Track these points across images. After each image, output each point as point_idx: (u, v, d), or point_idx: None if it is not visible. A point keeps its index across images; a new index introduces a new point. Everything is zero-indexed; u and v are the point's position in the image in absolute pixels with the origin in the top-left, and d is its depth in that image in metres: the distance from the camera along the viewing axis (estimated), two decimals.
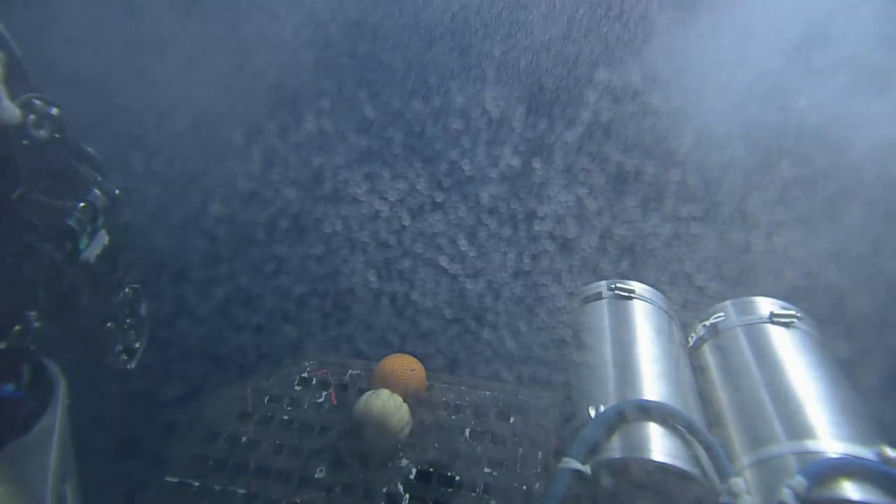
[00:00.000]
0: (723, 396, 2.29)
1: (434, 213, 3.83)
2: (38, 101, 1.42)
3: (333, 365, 3.40)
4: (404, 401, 2.95)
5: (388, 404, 2.86)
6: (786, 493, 1.73)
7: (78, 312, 1.71)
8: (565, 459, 1.94)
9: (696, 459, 1.96)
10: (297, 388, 3.26)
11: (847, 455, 1.84)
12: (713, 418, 2.23)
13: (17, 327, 1.47)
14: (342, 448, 2.93)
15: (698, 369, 2.47)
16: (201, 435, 2.99)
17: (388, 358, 3.17)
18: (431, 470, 2.86)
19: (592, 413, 2.06)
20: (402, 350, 3.29)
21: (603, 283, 2.69)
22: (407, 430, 2.93)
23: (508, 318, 3.77)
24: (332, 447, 2.94)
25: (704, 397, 2.32)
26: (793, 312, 2.42)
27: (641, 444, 1.96)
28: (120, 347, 1.90)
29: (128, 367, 1.94)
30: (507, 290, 3.75)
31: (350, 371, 3.37)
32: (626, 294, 2.59)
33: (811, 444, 1.91)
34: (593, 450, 1.97)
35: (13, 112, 1.38)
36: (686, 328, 2.67)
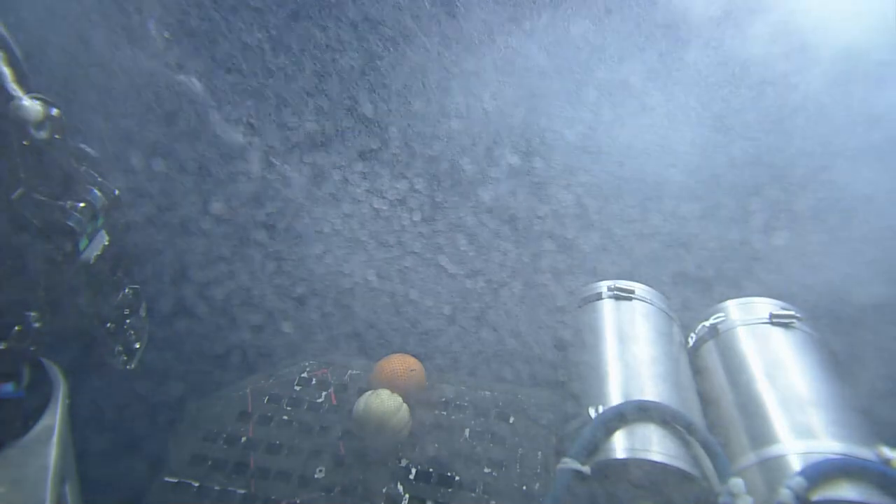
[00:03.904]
0: (723, 397, 2.29)
1: None
2: (38, 102, 1.42)
3: (333, 365, 3.40)
4: (404, 401, 2.95)
5: (387, 404, 2.86)
6: (785, 494, 1.73)
7: (78, 312, 1.71)
8: (565, 460, 1.94)
9: (695, 460, 1.96)
10: (297, 388, 3.26)
11: (846, 455, 1.84)
12: (713, 418, 2.24)
13: (17, 327, 1.48)
14: (342, 448, 2.93)
15: (699, 370, 2.47)
16: (201, 435, 2.99)
17: (388, 358, 3.17)
18: (431, 470, 2.86)
19: (592, 413, 2.06)
20: (402, 350, 3.29)
21: (603, 283, 2.69)
22: (407, 430, 2.93)
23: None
24: (332, 447, 2.94)
25: (704, 397, 2.33)
26: (792, 313, 2.43)
27: (641, 444, 1.96)
28: (120, 348, 1.90)
29: (127, 367, 1.95)
30: None
31: (350, 371, 3.37)
32: (626, 294, 2.60)
33: (811, 445, 1.92)
34: (593, 450, 1.97)
35: (35, 108, 1.40)
36: (686, 329, 2.68)
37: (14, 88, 1.38)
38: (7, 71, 1.38)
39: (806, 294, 2.71)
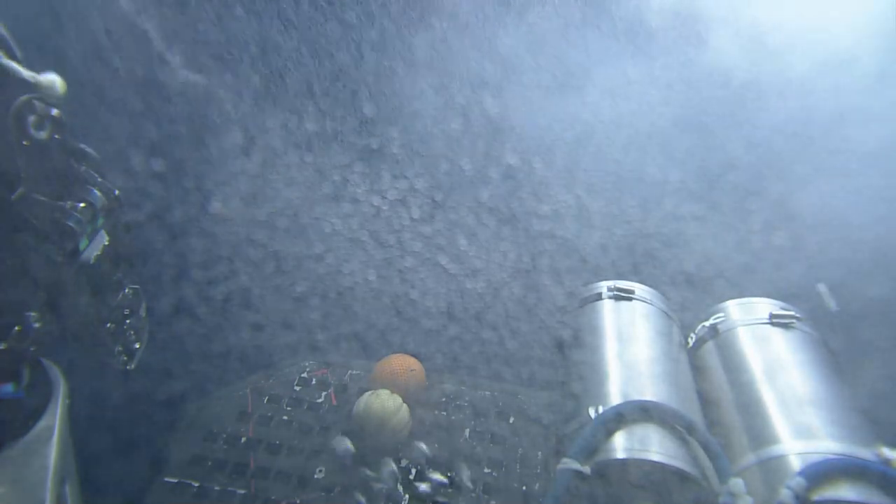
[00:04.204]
0: (723, 397, 2.29)
1: None
2: (38, 103, 1.42)
3: (333, 365, 3.40)
4: (404, 401, 2.95)
5: (387, 404, 2.86)
6: (785, 494, 1.73)
7: (78, 313, 1.71)
8: (565, 460, 1.95)
9: (695, 460, 1.96)
10: (297, 388, 3.26)
11: (846, 456, 1.84)
12: (713, 418, 2.24)
13: (17, 327, 1.48)
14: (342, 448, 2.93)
15: (699, 370, 2.48)
16: (201, 435, 2.99)
17: (388, 358, 3.17)
18: (431, 470, 2.86)
19: (592, 414, 2.06)
20: (402, 350, 3.29)
21: (603, 283, 2.69)
22: (407, 431, 2.93)
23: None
24: (332, 447, 2.94)
25: (705, 397, 2.33)
26: (792, 313, 2.43)
27: (641, 444, 1.96)
28: (120, 348, 1.90)
29: (127, 367, 1.94)
30: None
31: (350, 371, 3.37)
32: (626, 295, 2.60)
33: (811, 445, 1.92)
34: (593, 450, 1.97)
35: (59, 82, 1.41)
36: (686, 329, 2.68)
37: (30, 74, 1.39)
38: (14, 63, 1.38)
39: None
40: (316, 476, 2.82)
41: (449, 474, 2.83)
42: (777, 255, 3.59)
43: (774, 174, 3.78)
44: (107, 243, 1.70)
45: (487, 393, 3.26)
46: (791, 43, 3.58)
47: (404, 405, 2.93)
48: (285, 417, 3.10)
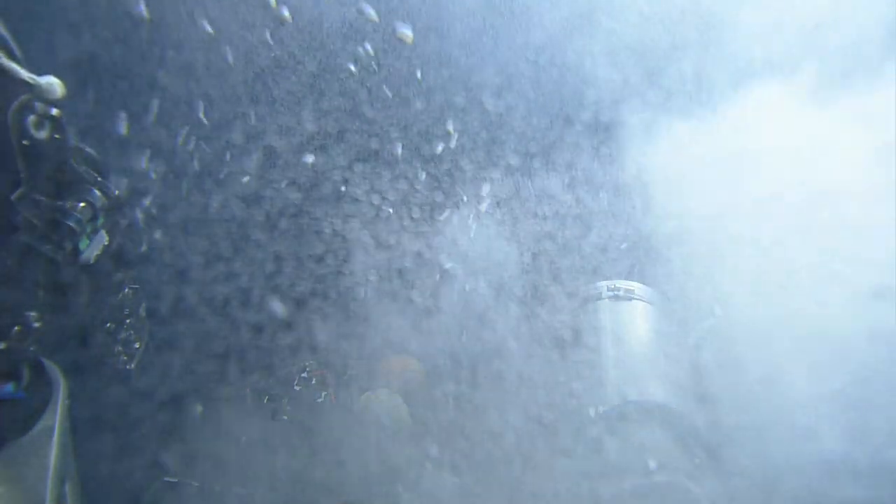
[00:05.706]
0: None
1: None
2: (38, 103, 1.43)
3: (333, 365, 3.40)
4: (404, 401, 2.95)
5: (387, 404, 2.86)
6: None
7: (78, 312, 1.71)
8: (566, 460, 1.95)
9: (694, 460, 1.97)
10: (297, 388, 3.26)
11: None
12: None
13: (17, 327, 1.48)
14: (342, 448, 2.94)
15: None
16: (201, 435, 2.99)
17: (388, 358, 3.18)
18: (431, 470, 2.86)
19: (593, 413, 2.07)
20: (402, 350, 3.29)
21: (603, 283, 2.70)
22: (407, 431, 2.93)
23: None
24: (332, 447, 2.95)
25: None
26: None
27: (642, 444, 1.97)
28: (120, 348, 1.90)
29: (127, 367, 1.95)
30: None
31: (350, 371, 3.37)
32: (626, 294, 2.60)
33: None
34: (594, 450, 1.98)
35: (57, 84, 1.42)
36: (685, 326, 2.68)
37: (29, 76, 1.39)
38: (13, 64, 1.39)
39: None
40: (315, 476, 2.82)
41: None
42: None
43: None
44: (107, 243, 1.70)
45: (487, 393, 3.26)
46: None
47: (404, 405, 2.93)
48: (285, 417, 3.10)
